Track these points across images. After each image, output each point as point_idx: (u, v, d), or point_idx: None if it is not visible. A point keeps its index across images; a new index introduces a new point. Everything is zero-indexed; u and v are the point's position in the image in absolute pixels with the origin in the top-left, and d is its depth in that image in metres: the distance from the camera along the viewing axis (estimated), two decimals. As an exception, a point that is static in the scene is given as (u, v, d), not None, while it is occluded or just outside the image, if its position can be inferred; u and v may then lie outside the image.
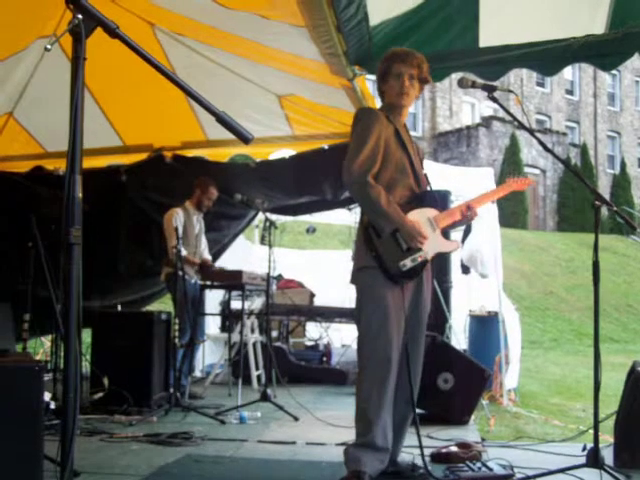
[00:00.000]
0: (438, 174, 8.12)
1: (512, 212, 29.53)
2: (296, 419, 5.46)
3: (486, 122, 32.89)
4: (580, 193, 32.69)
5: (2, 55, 5.41)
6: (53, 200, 6.67)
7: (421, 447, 3.55)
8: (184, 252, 6.43)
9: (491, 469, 3.65)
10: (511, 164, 31.44)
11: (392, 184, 3.56)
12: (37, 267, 5.39)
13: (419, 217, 3.59)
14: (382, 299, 3.48)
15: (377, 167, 3.52)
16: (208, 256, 7.01)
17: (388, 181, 3.55)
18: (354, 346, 3.88)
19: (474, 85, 3.68)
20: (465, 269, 7.97)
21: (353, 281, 3.64)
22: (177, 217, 6.52)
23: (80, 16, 1.87)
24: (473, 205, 3.83)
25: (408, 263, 3.51)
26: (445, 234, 3.79)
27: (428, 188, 3.78)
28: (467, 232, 8.02)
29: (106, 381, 5.51)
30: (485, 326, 7.48)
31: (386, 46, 3.91)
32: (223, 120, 2.07)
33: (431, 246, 3.61)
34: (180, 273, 5.85)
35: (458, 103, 34.84)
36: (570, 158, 33.26)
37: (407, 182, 3.63)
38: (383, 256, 3.48)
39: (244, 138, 2.11)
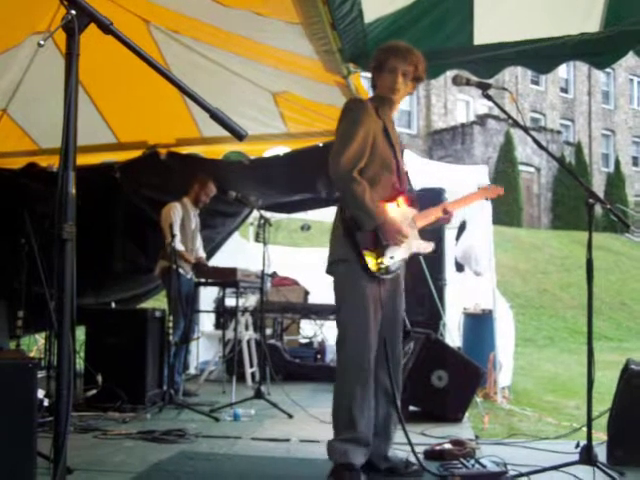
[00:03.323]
0: (433, 172, 8.14)
1: (506, 210, 29.56)
2: (290, 416, 5.46)
3: (481, 120, 32.92)
4: (574, 191, 32.75)
5: (-4, 51, 5.40)
6: (47, 197, 6.65)
7: (410, 443, 3.55)
8: (181, 247, 6.44)
9: (485, 466, 3.66)
10: (506, 162, 31.51)
11: (375, 180, 3.56)
12: (31, 264, 5.39)
13: (399, 215, 3.62)
14: (363, 294, 3.50)
15: (363, 163, 3.52)
16: (203, 254, 7.01)
17: (372, 177, 3.55)
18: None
19: (469, 83, 3.69)
20: (459, 267, 7.98)
21: (330, 272, 3.65)
22: (176, 211, 6.52)
23: (74, 12, 1.86)
24: (449, 208, 3.90)
25: (386, 260, 3.54)
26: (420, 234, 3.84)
27: (409, 186, 3.80)
28: (461, 230, 8.03)
29: (100, 378, 5.51)
30: (479, 324, 7.49)
31: (381, 43, 3.90)
32: (217, 117, 2.06)
33: (409, 245, 3.66)
34: (174, 267, 5.84)
35: (453, 101, 34.86)
36: (564, 156, 33.34)
37: (390, 179, 3.64)
38: (365, 251, 3.50)
39: (238, 135, 2.11)
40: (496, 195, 4.33)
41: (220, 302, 8.24)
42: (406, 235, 3.57)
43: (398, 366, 3.73)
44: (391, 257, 3.57)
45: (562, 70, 37.34)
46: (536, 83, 37.62)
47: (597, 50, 4.53)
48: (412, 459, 3.67)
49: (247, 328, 7.56)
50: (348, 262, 3.52)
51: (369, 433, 3.53)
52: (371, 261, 3.50)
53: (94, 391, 5.51)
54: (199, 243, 6.94)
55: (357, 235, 3.49)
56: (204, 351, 8.54)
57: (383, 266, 3.54)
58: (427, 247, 3.89)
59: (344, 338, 3.55)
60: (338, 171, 3.46)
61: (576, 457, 3.48)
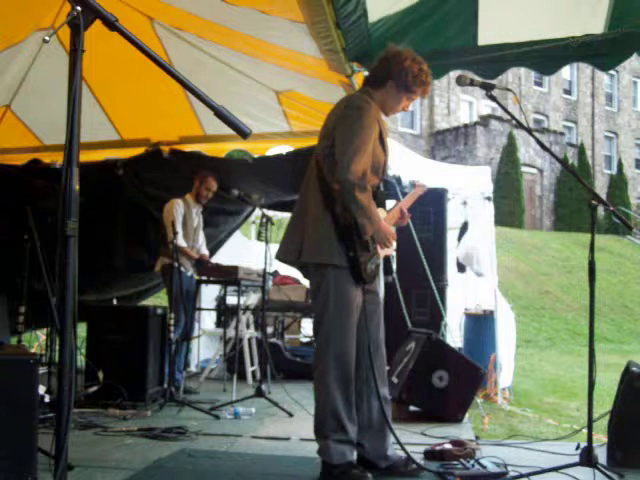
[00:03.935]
0: (435, 172, 8.14)
1: (509, 211, 29.57)
2: (290, 415, 5.46)
3: (484, 121, 32.89)
4: (577, 193, 32.77)
5: (0, 47, 5.40)
6: (50, 193, 6.67)
7: (400, 443, 3.55)
8: (183, 244, 6.44)
9: (485, 467, 3.66)
10: (508, 163, 31.49)
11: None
12: (33, 260, 5.39)
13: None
14: (349, 300, 3.51)
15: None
16: (206, 251, 7.01)
17: None
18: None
19: (472, 83, 3.67)
20: (461, 267, 7.98)
21: (308, 273, 3.64)
22: (177, 208, 6.52)
23: (79, 8, 1.86)
24: (404, 208, 3.92)
25: (372, 266, 3.58)
26: None
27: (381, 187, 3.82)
28: (463, 230, 8.03)
29: (101, 375, 5.51)
30: (480, 325, 7.48)
31: (385, 43, 3.90)
32: (221, 114, 2.06)
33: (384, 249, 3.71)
34: (176, 265, 5.84)
35: (456, 101, 34.84)
36: (567, 158, 33.33)
37: (375, 182, 3.64)
38: (360, 257, 3.49)
39: (242, 132, 2.11)
40: (423, 191, 4.25)
41: (221, 300, 8.25)
42: (395, 239, 3.61)
43: (383, 367, 3.77)
44: (375, 262, 3.61)
45: (565, 72, 37.33)
46: (539, 84, 37.59)
47: (601, 52, 4.53)
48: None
49: (248, 326, 7.56)
50: (339, 268, 3.50)
51: (355, 433, 3.57)
52: (363, 267, 3.51)
53: (95, 388, 5.51)
54: (202, 240, 6.94)
55: (356, 241, 3.48)
56: (205, 349, 8.55)
57: (370, 272, 3.57)
58: (392, 249, 3.92)
59: (328, 343, 3.53)
60: (351, 177, 3.37)
61: (576, 459, 3.47)
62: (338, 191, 3.46)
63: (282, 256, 3.72)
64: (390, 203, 4.46)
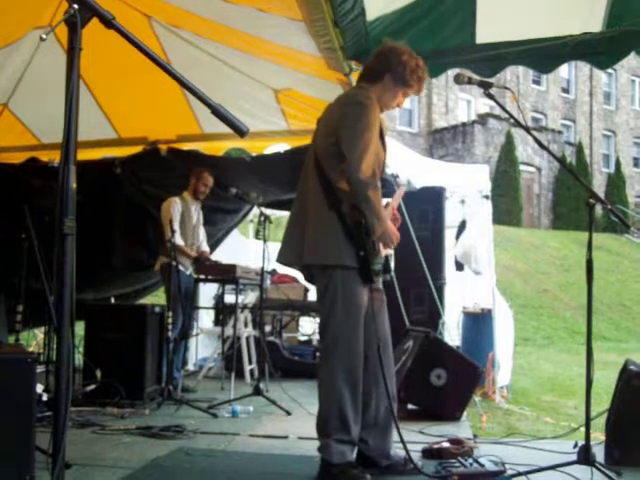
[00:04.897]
0: (433, 170, 8.14)
1: (507, 210, 29.58)
2: (288, 413, 5.46)
3: (482, 119, 32.90)
4: (575, 191, 32.79)
5: (-3, 45, 5.40)
6: (47, 191, 6.66)
7: (404, 443, 3.54)
8: (181, 242, 6.43)
9: (483, 465, 3.66)
10: (506, 162, 31.50)
11: None
12: (31, 259, 5.38)
13: None
14: (356, 300, 3.49)
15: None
16: (206, 247, 7.00)
17: None
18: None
19: (470, 82, 3.66)
20: (459, 266, 7.98)
21: (323, 277, 3.54)
22: (175, 206, 6.51)
23: (76, 6, 1.86)
24: (395, 209, 3.88)
25: (379, 265, 3.57)
26: None
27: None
28: (461, 229, 8.03)
29: (99, 373, 5.51)
30: (478, 323, 7.48)
31: (383, 41, 3.90)
32: (218, 112, 2.06)
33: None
34: (174, 264, 5.84)
35: (454, 100, 34.84)
36: (565, 156, 33.34)
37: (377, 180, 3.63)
38: (370, 256, 3.47)
39: (239, 131, 2.10)
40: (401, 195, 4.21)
41: (219, 299, 8.25)
42: (398, 239, 3.59)
43: (391, 364, 3.75)
44: (382, 261, 3.60)
45: (564, 70, 37.36)
46: (537, 83, 37.61)
47: (599, 50, 4.53)
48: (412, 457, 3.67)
49: (246, 325, 7.55)
50: (348, 269, 3.47)
51: (357, 434, 3.56)
52: (372, 267, 3.49)
53: (93, 386, 5.50)
54: (202, 237, 6.92)
55: (365, 239, 3.45)
56: (203, 348, 8.54)
57: (378, 271, 3.56)
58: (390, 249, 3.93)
59: (336, 344, 3.51)
60: (362, 178, 3.34)
61: (574, 457, 3.48)
62: (346, 190, 3.42)
63: (283, 259, 3.69)
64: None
